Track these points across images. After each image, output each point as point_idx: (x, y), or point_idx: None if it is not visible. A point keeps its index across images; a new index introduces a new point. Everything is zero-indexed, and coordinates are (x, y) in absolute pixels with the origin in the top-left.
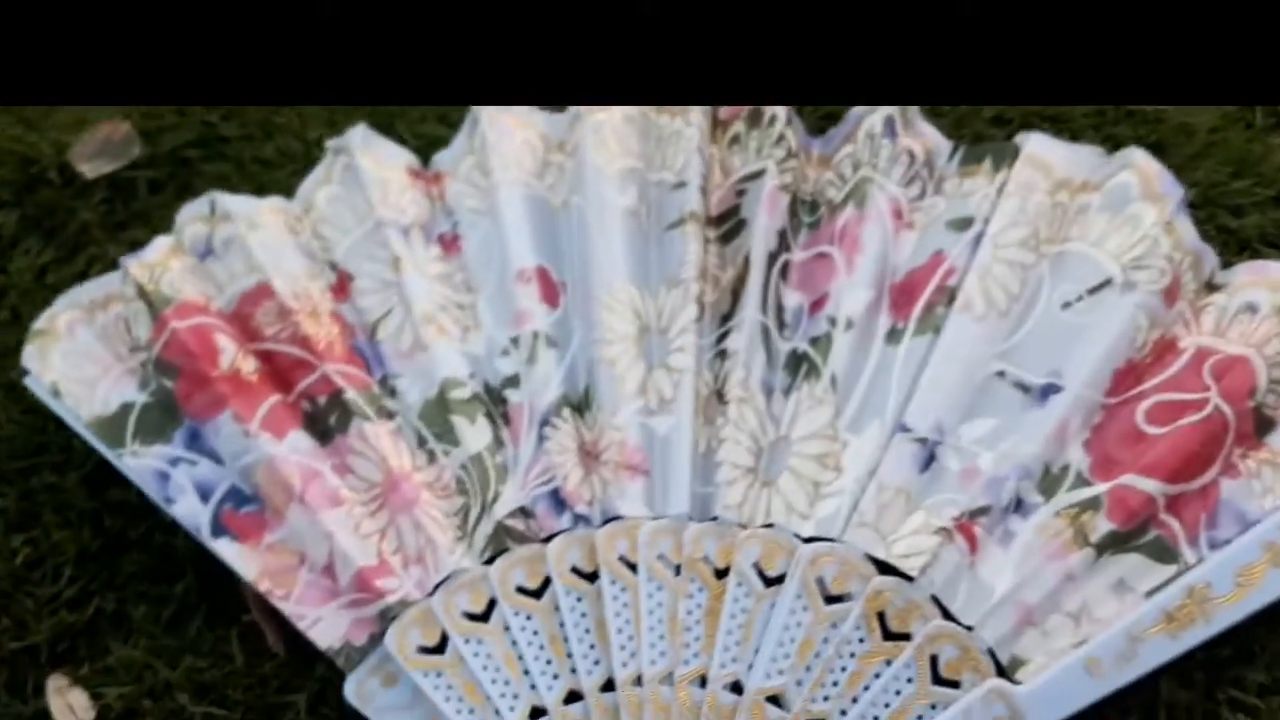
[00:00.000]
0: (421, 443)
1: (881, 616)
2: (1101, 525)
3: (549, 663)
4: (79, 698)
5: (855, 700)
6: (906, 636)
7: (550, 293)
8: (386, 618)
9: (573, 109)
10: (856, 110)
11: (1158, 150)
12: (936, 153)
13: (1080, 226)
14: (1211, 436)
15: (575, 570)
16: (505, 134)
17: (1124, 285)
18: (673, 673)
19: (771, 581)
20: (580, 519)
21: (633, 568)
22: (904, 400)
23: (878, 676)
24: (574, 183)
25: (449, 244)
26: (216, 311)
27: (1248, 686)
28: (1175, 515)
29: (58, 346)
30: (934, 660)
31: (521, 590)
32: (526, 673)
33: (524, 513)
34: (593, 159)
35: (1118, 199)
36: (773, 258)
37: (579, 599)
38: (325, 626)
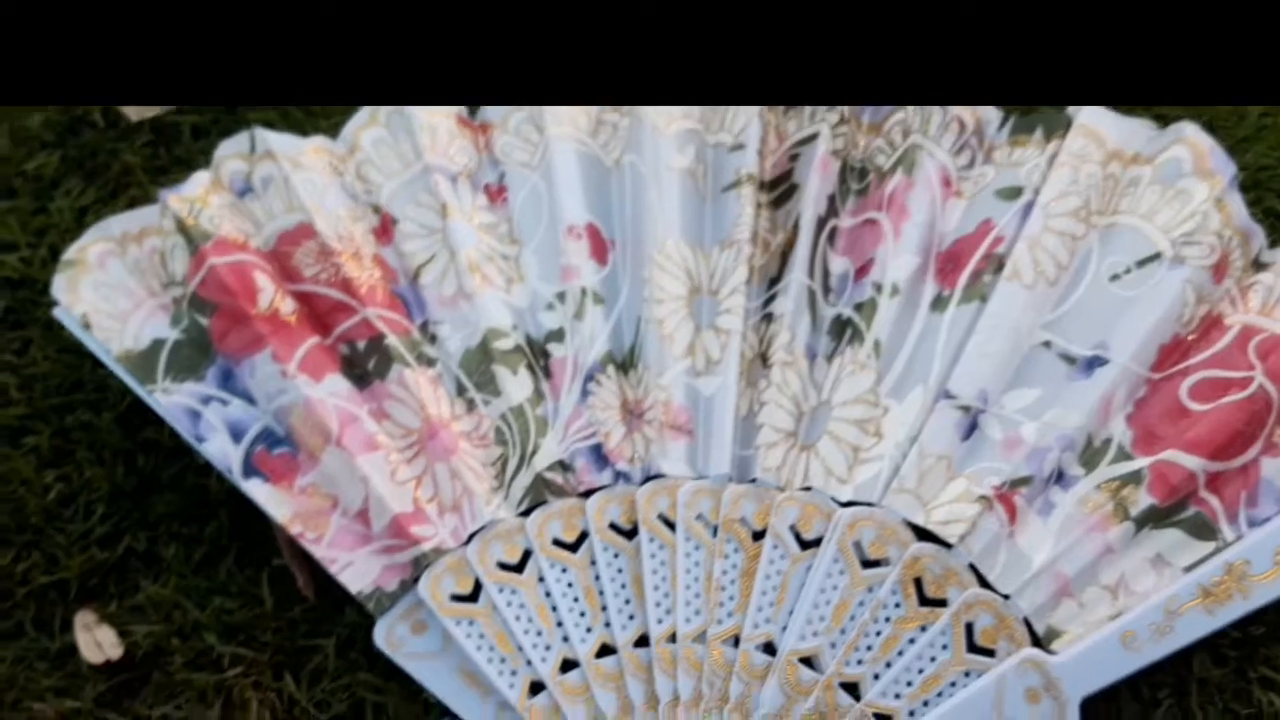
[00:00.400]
0: (461, 391)
1: (918, 582)
2: (1142, 499)
3: (582, 615)
4: (106, 634)
5: (889, 665)
6: (943, 603)
7: (600, 250)
8: (420, 565)
9: None
10: None
11: (1208, 131)
12: (986, 121)
13: (1131, 199)
14: (1254, 415)
15: (613, 526)
16: None
17: (1173, 260)
18: (706, 631)
19: (808, 544)
20: (621, 475)
21: (671, 526)
22: (948, 367)
23: (912, 642)
24: (630, 142)
25: (494, 195)
26: (255, 250)
27: None
28: (1215, 492)
29: (88, 278)
30: (969, 628)
31: (558, 543)
32: (559, 625)
33: (563, 466)
34: (651, 119)
35: (1170, 173)
36: (821, 223)
37: (616, 555)
38: (356, 571)
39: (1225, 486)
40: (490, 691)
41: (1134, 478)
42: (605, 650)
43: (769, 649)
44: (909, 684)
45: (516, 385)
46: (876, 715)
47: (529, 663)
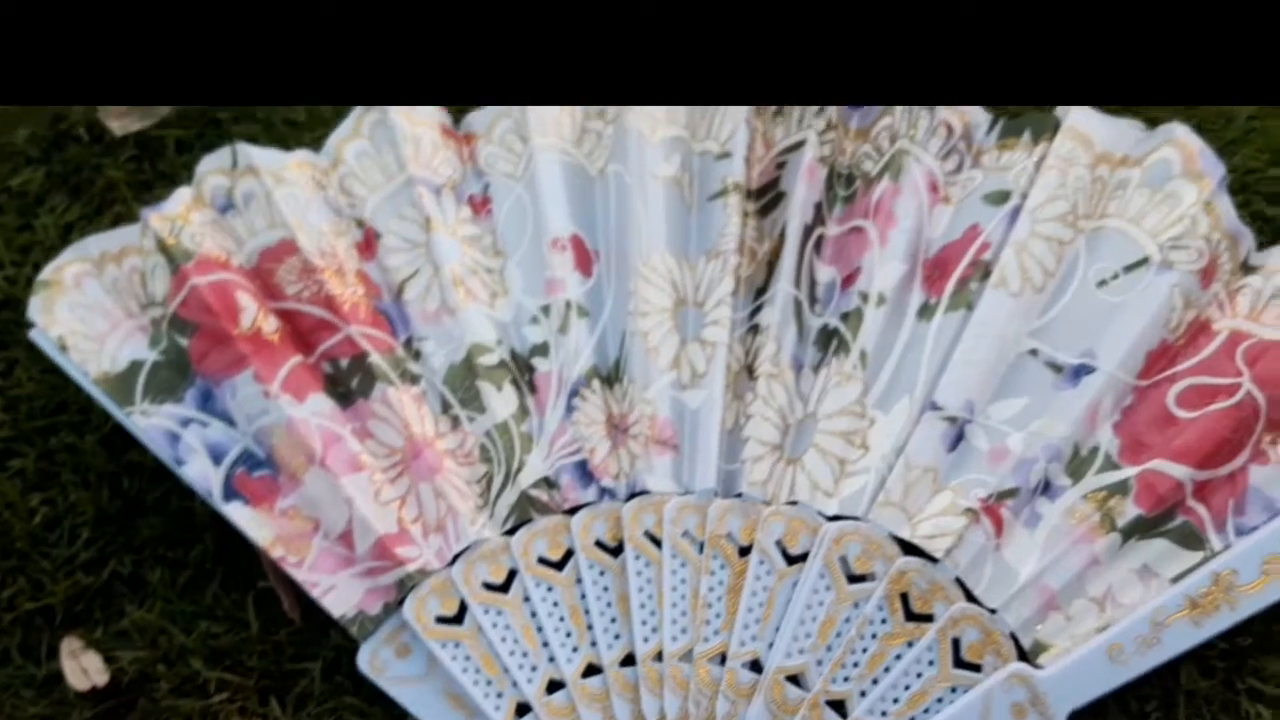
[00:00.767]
0: (445, 408)
1: (904, 597)
2: (1129, 510)
3: (568, 635)
4: (93, 660)
5: (876, 681)
6: (929, 618)
7: (584, 261)
8: (404, 586)
9: None
10: None
11: (1197, 133)
12: (975, 125)
13: (1119, 202)
14: (1242, 422)
15: (599, 544)
16: None
17: (1161, 265)
18: (693, 649)
19: (794, 560)
20: (606, 492)
21: (657, 543)
22: (934, 377)
23: (899, 658)
24: (615, 150)
25: (479, 206)
26: (237, 268)
27: (1268, 676)
28: (1203, 501)
29: (65, 299)
30: (956, 643)
31: (543, 561)
32: (545, 645)
33: (548, 483)
34: (636, 126)
35: (1158, 175)
36: (808, 231)
37: (601, 573)
38: (339, 595)
39: (1213, 495)
40: (476, 714)
41: (1121, 488)
42: (591, 670)
43: (755, 667)
44: (895, 700)
45: (501, 401)
46: None
47: (515, 684)
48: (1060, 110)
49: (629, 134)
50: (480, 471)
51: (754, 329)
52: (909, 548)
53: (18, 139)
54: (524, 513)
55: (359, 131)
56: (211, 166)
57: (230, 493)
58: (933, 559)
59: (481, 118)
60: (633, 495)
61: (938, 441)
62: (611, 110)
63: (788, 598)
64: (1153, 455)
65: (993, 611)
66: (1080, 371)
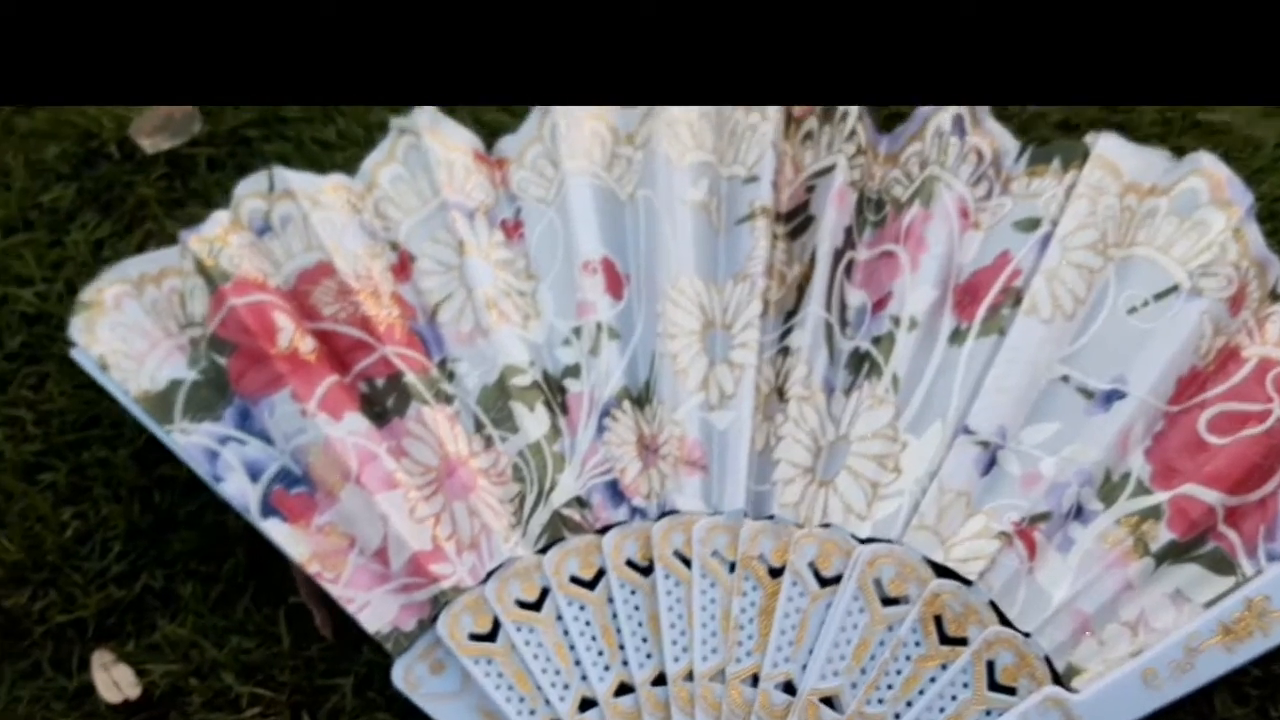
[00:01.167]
0: (479, 428)
1: (939, 620)
2: (1162, 535)
3: (600, 654)
4: (124, 674)
5: (910, 704)
6: (963, 641)
7: (615, 284)
8: (438, 603)
9: None
10: (924, 108)
11: (1223, 163)
12: (1004, 152)
13: (1148, 231)
14: (1272, 448)
15: (630, 563)
16: (576, 124)
17: (1190, 292)
18: (725, 670)
19: (827, 582)
20: (637, 511)
21: (687, 563)
22: (966, 402)
23: (933, 681)
24: (643, 175)
25: (511, 230)
26: (274, 289)
27: None
28: (1234, 527)
29: (105, 319)
30: (990, 666)
31: (575, 580)
32: (578, 663)
33: (580, 503)
34: (665, 151)
35: (1186, 204)
36: (838, 255)
37: (633, 592)
38: (374, 610)
39: (1244, 520)
40: None
41: (1153, 512)
42: (623, 689)
43: (789, 688)
44: None
45: (534, 422)
46: None
47: (547, 702)
48: (1089, 138)
49: (657, 159)
50: (513, 490)
51: (784, 351)
52: (943, 571)
53: (48, 156)
54: (556, 531)
55: (393, 156)
56: (249, 190)
57: (268, 509)
58: (967, 582)
59: (513, 143)
60: (663, 515)
61: (970, 466)
62: (640, 135)
63: (821, 619)
64: (1184, 480)
65: (1027, 635)
66: (1111, 397)
